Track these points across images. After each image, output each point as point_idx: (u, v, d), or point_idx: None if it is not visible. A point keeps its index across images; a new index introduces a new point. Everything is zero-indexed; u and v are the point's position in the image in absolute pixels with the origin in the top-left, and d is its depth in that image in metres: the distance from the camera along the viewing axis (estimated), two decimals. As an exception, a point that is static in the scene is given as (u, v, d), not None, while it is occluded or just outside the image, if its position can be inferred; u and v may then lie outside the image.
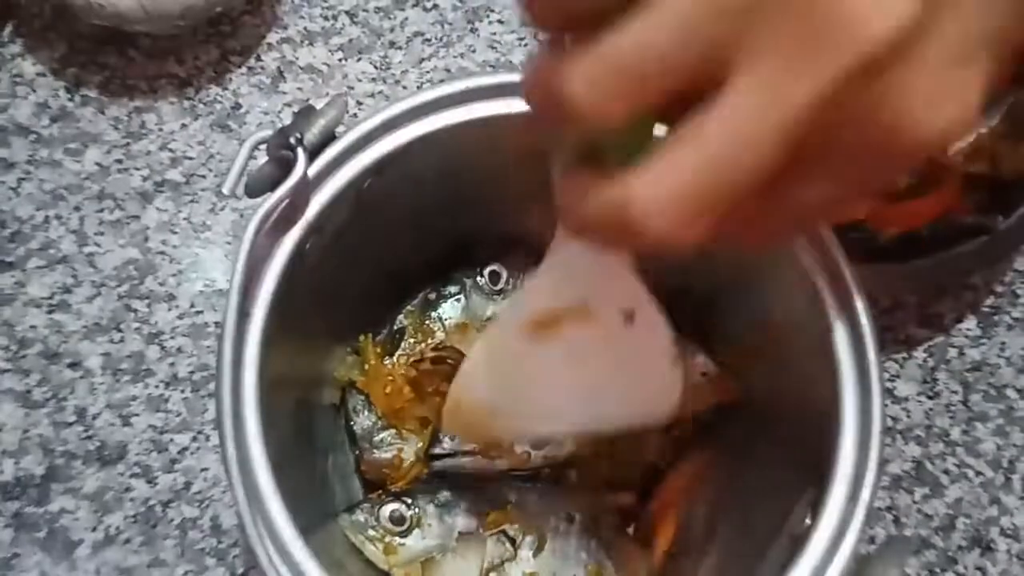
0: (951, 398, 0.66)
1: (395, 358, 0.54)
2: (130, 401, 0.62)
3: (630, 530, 0.56)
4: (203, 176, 0.68)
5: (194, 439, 0.61)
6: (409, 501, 0.50)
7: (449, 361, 0.55)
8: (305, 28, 0.73)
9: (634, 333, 0.40)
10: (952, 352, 0.67)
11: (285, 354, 0.43)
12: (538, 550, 0.51)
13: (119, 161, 0.68)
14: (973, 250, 0.59)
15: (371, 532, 0.49)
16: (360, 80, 0.72)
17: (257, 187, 0.40)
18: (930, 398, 0.65)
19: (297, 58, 0.72)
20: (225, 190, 0.38)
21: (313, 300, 0.45)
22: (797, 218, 0.31)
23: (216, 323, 0.64)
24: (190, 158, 0.68)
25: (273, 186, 0.39)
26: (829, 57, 0.25)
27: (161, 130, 0.69)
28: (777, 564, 0.41)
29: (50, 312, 0.63)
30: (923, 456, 0.64)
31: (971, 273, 0.67)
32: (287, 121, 0.41)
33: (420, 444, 0.54)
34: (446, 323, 0.55)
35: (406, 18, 0.74)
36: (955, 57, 0.27)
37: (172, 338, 0.64)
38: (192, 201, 0.67)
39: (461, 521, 0.51)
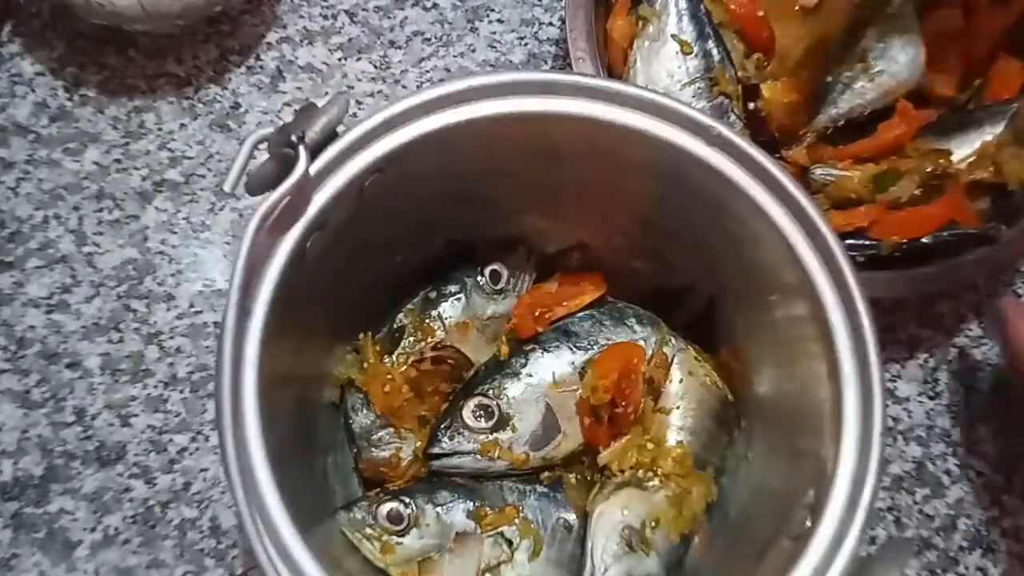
0: (952, 398, 0.66)
1: (395, 357, 0.54)
2: (129, 401, 0.62)
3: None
4: (202, 176, 0.68)
5: (193, 439, 0.61)
6: (407, 500, 0.50)
7: (449, 361, 0.55)
8: (304, 27, 0.73)
9: None
10: (953, 352, 0.67)
11: (285, 352, 0.43)
12: (534, 555, 0.51)
13: (118, 161, 0.68)
14: (977, 259, 0.59)
15: (368, 530, 0.49)
16: (360, 79, 0.72)
17: (258, 185, 0.40)
18: (931, 398, 0.65)
19: (296, 57, 0.72)
20: (226, 188, 0.38)
21: (314, 298, 0.45)
22: None
23: (215, 323, 0.64)
24: (189, 158, 0.68)
25: (274, 184, 0.39)
26: None
27: (160, 130, 0.69)
28: (777, 565, 0.41)
29: (49, 312, 0.63)
30: (924, 456, 0.64)
31: (974, 281, 0.68)
32: (286, 120, 0.41)
33: (418, 443, 0.54)
34: (446, 322, 0.55)
35: (406, 17, 0.74)
36: None
37: (171, 338, 0.63)
38: (191, 201, 0.67)
39: (459, 521, 0.51)
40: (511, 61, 0.74)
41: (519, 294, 0.58)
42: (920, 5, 0.65)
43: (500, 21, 0.75)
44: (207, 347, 0.63)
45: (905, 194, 0.61)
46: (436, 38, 0.74)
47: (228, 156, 0.68)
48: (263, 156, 0.40)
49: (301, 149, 0.39)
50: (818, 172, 0.63)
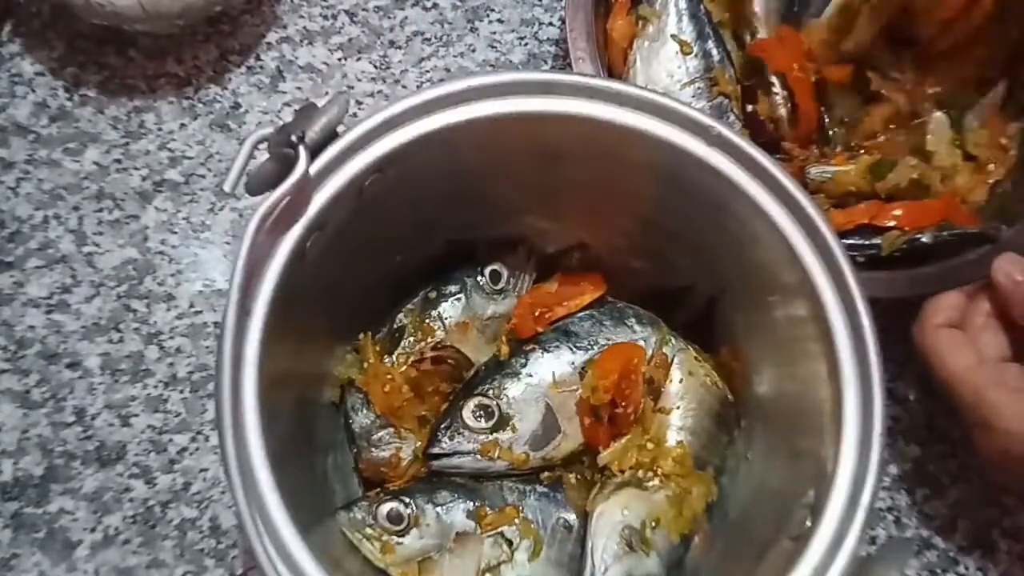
0: (952, 398, 0.66)
1: (395, 357, 0.54)
2: (129, 401, 0.62)
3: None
4: (202, 176, 0.68)
5: (193, 439, 0.61)
6: (407, 500, 0.50)
7: (449, 361, 0.55)
8: (304, 27, 0.73)
9: None
10: (953, 352, 0.67)
11: (285, 352, 0.43)
12: (534, 555, 0.51)
13: (118, 161, 0.68)
14: (976, 259, 0.58)
15: (368, 530, 0.49)
16: (360, 79, 0.72)
17: (258, 185, 0.40)
18: (931, 398, 0.65)
19: (296, 57, 0.72)
20: (226, 188, 0.38)
21: (314, 298, 0.45)
22: None
23: (215, 323, 0.64)
24: (189, 158, 0.68)
25: (274, 184, 0.39)
26: None
27: (160, 130, 0.69)
28: (777, 565, 0.41)
29: (49, 312, 0.63)
30: (924, 456, 0.64)
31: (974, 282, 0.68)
32: (286, 120, 0.41)
33: (418, 443, 0.54)
34: (446, 322, 0.55)
35: (406, 17, 0.74)
36: None
37: (171, 338, 0.63)
38: (191, 201, 0.67)
39: (459, 521, 0.51)
40: (511, 61, 0.74)
41: (519, 294, 0.58)
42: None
43: (500, 21, 0.75)
44: (207, 347, 0.63)
45: (904, 180, 0.61)
46: (436, 38, 0.74)
47: (228, 156, 0.68)
48: (263, 156, 0.40)
49: (301, 149, 0.39)
50: (814, 172, 0.63)
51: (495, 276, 0.57)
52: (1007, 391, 0.50)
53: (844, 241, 0.44)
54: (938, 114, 0.64)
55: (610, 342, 0.55)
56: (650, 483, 0.53)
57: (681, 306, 0.57)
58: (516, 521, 0.52)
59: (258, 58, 0.72)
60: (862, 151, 0.64)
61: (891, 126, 0.66)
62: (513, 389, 0.54)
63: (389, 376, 0.53)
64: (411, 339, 0.55)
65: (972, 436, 0.52)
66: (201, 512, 0.59)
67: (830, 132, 0.65)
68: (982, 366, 0.52)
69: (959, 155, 0.64)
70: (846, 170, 0.62)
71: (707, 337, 0.57)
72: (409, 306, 0.56)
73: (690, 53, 0.64)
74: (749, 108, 0.65)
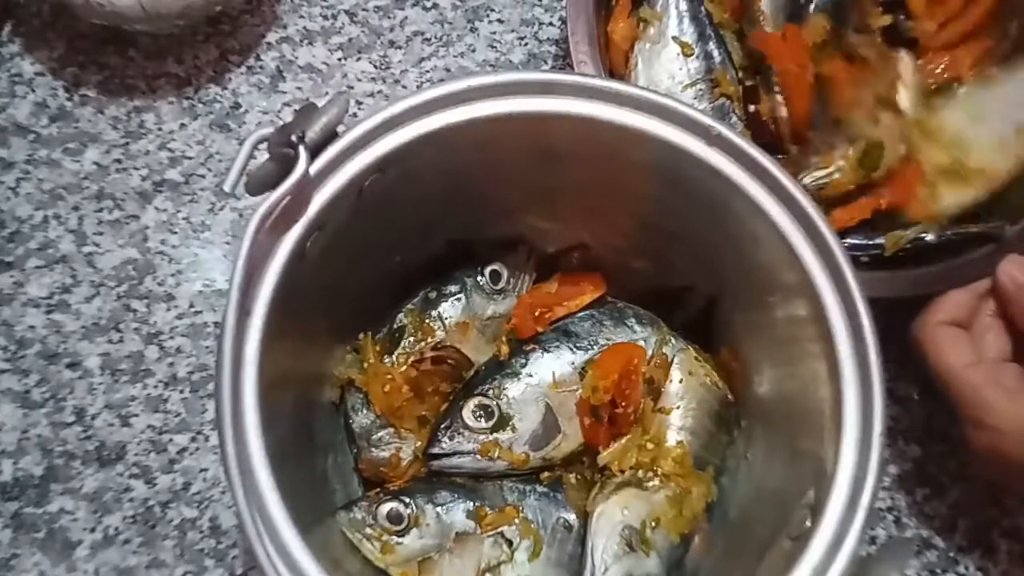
0: (952, 398, 0.66)
1: (395, 357, 0.54)
2: (129, 401, 0.62)
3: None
4: (202, 176, 0.68)
5: (193, 439, 0.61)
6: (407, 500, 0.50)
7: (449, 361, 0.55)
8: (305, 27, 0.73)
9: None
10: (953, 352, 0.67)
11: (285, 352, 0.43)
12: (534, 555, 0.51)
13: (118, 161, 0.68)
14: (980, 258, 0.58)
15: (368, 530, 0.49)
16: (360, 79, 0.72)
17: (258, 185, 0.40)
18: (931, 398, 0.65)
19: (296, 57, 0.72)
20: (226, 188, 0.38)
21: (313, 298, 0.45)
22: None
23: (215, 323, 0.64)
24: (189, 158, 0.68)
25: (274, 184, 0.39)
26: None
27: (160, 130, 0.69)
28: (777, 565, 0.41)
29: (49, 312, 0.63)
30: (924, 456, 0.64)
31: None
32: (286, 120, 0.41)
33: (418, 443, 0.54)
34: (446, 322, 0.55)
35: (406, 17, 0.74)
36: None
37: (171, 338, 0.63)
38: (191, 201, 0.67)
39: (459, 521, 0.51)
40: (511, 61, 0.74)
41: (519, 294, 0.58)
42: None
43: (500, 21, 0.75)
44: (207, 347, 0.63)
45: (896, 159, 0.61)
46: (436, 38, 0.74)
47: (228, 156, 0.68)
48: (263, 156, 0.40)
49: (301, 149, 0.39)
50: (807, 181, 0.62)
51: (495, 276, 0.57)
52: (1002, 390, 0.51)
53: (847, 241, 0.44)
54: (903, 54, 0.64)
55: (610, 342, 0.55)
56: (650, 483, 0.53)
57: (681, 306, 0.57)
58: (516, 521, 0.52)
59: (258, 58, 0.72)
60: (839, 122, 0.64)
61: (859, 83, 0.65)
62: (513, 389, 0.54)
63: (389, 376, 0.53)
64: (411, 339, 0.55)
65: (964, 432, 0.52)
66: (201, 512, 0.59)
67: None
68: (979, 364, 0.52)
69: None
70: (839, 167, 0.62)
71: (707, 337, 0.57)
72: (409, 306, 0.56)
73: (691, 55, 0.64)
74: (751, 108, 0.65)
